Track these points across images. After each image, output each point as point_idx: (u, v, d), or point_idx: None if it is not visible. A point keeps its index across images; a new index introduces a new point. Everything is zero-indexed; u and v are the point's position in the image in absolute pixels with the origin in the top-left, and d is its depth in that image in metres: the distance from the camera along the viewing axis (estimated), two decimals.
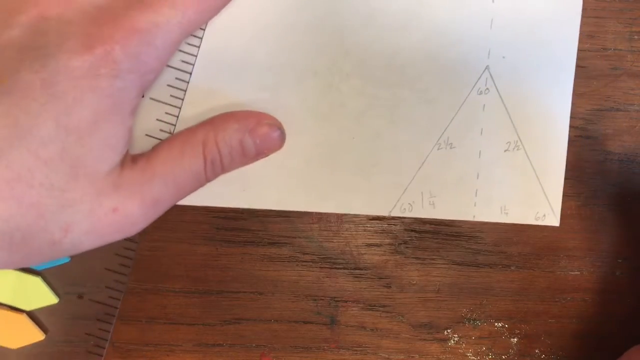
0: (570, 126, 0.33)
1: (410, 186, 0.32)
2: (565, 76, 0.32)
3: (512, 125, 0.32)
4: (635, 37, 0.33)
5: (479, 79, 0.32)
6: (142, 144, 0.30)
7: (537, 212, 0.33)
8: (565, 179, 0.33)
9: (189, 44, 0.31)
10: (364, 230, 0.34)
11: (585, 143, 0.34)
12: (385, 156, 0.32)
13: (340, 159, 0.32)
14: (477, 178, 0.33)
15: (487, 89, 0.32)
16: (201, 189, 0.31)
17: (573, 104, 0.33)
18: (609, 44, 0.33)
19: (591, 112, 0.33)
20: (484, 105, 0.32)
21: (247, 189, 0.32)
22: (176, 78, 0.31)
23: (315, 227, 0.34)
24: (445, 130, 0.32)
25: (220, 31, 0.31)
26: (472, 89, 0.32)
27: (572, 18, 0.32)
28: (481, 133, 0.32)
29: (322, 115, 0.32)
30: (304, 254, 0.34)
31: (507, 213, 0.33)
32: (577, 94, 0.33)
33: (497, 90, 0.32)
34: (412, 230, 0.34)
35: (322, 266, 0.34)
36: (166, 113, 0.31)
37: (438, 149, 0.32)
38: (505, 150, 0.33)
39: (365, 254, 0.34)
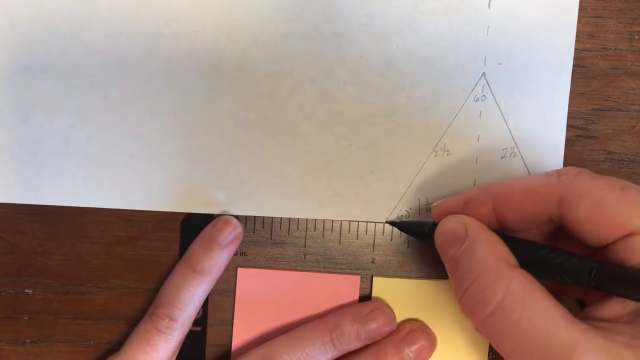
0: (571, 126, 0.33)
1: (407, 193, 0.33)
2: (561, 82, 0.32)
3: (509, 131, 0.32)
4: (636, 36, 0.33)
5: (475, 85, 0.32)
6: None
7: None
8: None
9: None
10: None
11: (585, 143, 0.33)
12: (382, 163, 0.32)
13: (337, 166, 0.32)
14: (474, 185, 0.33)
15: (484, 95, 0.32)
16: (202, 197, 0.32)
17: (573, 103, 0.33)
18: (609, 43, 0.33)
19: (591, 112, 0.33)
20: (481, 112, 0.32)
21: (246, 197, 0.32)
22: None
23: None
24: (442, 137, 0.32)
25: (216, 39, 0.31)
26: (469, 95, 0.32)
27: (568, 24, 0.32)
28: (478, 140, 0.32)
29: (318, 123, 0.32)
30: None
31: None
32: (577, 94, 0.33)
33: (494, 97, 0.32)
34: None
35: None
36: None
37: (435, 156, 0.32)
38: (501, 157, 0.32)
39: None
